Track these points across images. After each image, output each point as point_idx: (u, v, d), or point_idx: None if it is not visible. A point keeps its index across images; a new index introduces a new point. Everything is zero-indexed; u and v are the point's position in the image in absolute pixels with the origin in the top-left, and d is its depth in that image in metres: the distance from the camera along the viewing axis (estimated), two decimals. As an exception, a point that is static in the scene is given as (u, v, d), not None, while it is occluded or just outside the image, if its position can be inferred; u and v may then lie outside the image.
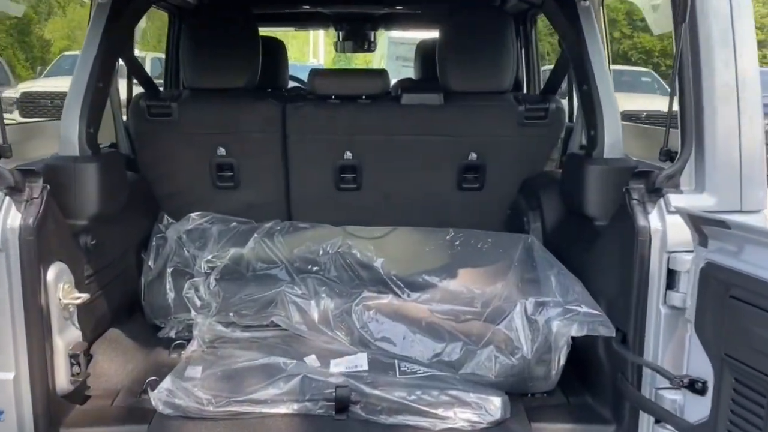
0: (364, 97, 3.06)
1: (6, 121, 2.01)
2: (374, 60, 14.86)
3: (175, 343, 2.65)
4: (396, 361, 2.31)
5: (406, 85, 3.20)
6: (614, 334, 2.07)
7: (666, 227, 1.94)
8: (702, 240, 1.78)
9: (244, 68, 3.05)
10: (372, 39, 5.23)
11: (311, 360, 2.36)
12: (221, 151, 3.10)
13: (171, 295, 2.71)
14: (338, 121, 3.06)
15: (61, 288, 2.07)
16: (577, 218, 2.53)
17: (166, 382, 2.17)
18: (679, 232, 1.92)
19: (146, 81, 3.23)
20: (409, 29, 6.34)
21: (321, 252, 2.65)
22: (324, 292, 2.51)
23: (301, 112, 3.04)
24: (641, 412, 2.01)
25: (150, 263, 2.80)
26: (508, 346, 2.19)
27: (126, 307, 2.77)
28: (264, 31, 3.89)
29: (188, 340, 2.61)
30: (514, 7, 3.89)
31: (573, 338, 2.19)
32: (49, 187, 2.02)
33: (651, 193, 1.99)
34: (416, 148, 3.09)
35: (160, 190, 3.12)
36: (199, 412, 2.10)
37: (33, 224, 1.93)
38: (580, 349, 2.28)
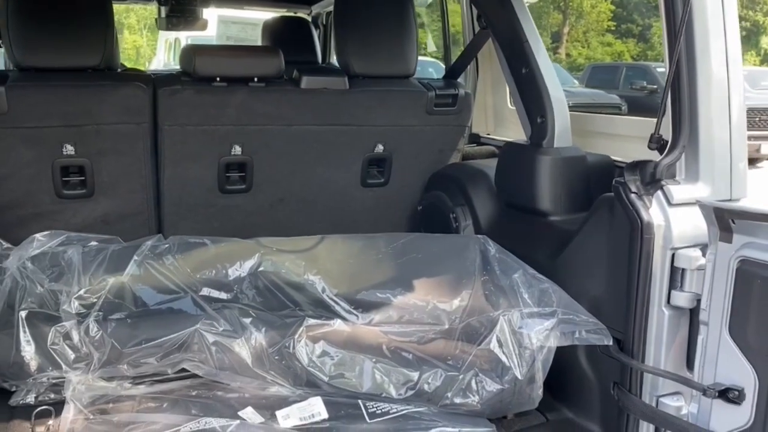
0: (256, 79, 2.54)
1: None
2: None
3: (38, 410, 1.94)
4: (360, 402, 1.89)
5: (303, 68, 2.74)
6: (611, 342, 1.88)
7: (669, 221, 1.78)
8: (725, 235, 1.64)
9: (96, 42, 2.35)
10: (201, 16, 4.58)
11: (249, 415, 1.85)
12: (68, 149, 2.38)
13: (30, 349, 1.97)
14: (226, 109, 2.51)
15: None
16: (520, 214, 2.31)
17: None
18: (682, 226, 1.77)
19: None
20: (244, 7, 5.70)
21: (234, 274, 2.12)
22: (252, 325, 1.99)
23: (179, 97, 2.44)
24: (642, 423, 1.86)
25: (-13, 307, 2.03)
26: (496, 368, 1.89)
27: None
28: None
29: (55, 405, 1.93)
30: None
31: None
32: None
33: (648, 185, 1.82)
34: (317, 140, 2.66)
35: None
36: None
37: None
38: (554, 359, 2.07)
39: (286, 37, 4.19)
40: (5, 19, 2.25)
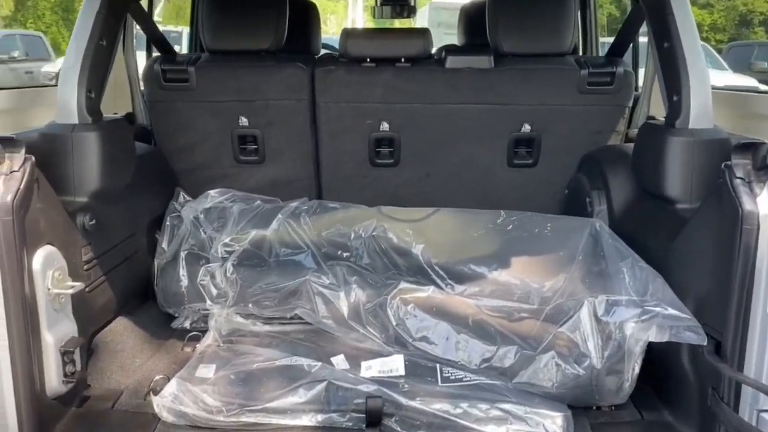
0: (403, 60, 2.70)
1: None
2: (414, 29, 14.16)
3: (190, 335, 2.37)
4: (437, 366, 1.97)
5: (450, 48, 2.84)
6: (705, 342, 1.69)
7: None
8: None
9: (269, 28, 2.72)
10: (412, 3, 4.84)
11: (339, 361, 2.04)
12: (243, 121, 2.78)
13: (185, 282, 2.41)
14: (374, 88, 2.71)
15: (51, 276, 1.78)
16: (653, 200, 2.13)
17: (172, 386, 1.88)
18: (796, 218, 1.53)
19: (161, 43, 2.92)
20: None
21: (353, 236, 2.32)
22: (355, 283, 2.18)
23: (332, 76, 2.70)
24: None
25: (164, 245, 2.51)
26: (573, 353, 1.83)
27: (136, 295, 2.49)
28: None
29: (204, 332, 2.33)
30: None
31: (650, 343, 1.83)
32: (33, 158, 1.72)
33: (759, 171, 1.59)
34: (462, 119, 2.73)
35: (178, 164, 2.82)
36: (208, 421, 1.81)
37: (12, 201, 1.64)
38: (657, 355, 1.92)
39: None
40: (199, 10, 2.72)
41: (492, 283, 2.07)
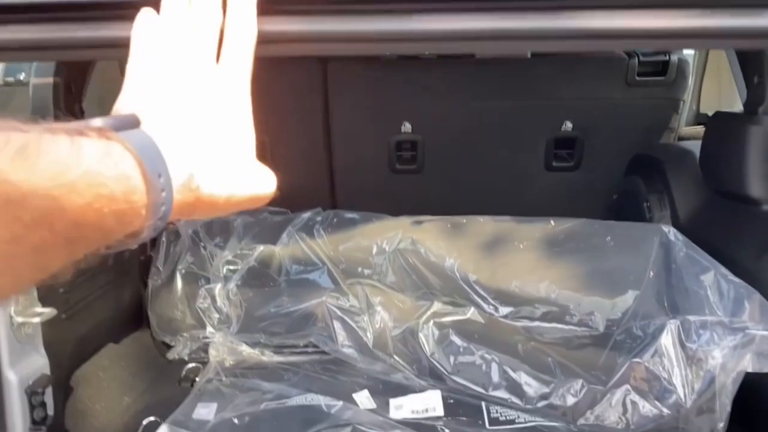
0: (427, 51, 2.38)
1: None
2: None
3: (188, 367, 2.04)
4: (483, 404, 1.64)
5: None
6: None
7: None
8: None
9: None
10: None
11: (363, 399, 1.71)
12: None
13: (182, 306, 2.09)
14: (394, 83, 2.40)
15: (14, 301, 1.47)
16: (731, 203, 1.81)
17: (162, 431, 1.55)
18: None
19: None
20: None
21: (375, 250, 1.99)
22: (380, 304, 1.85)
23: (347, 70, 2.40)
24: None
25: (158, 264, 2.19)
26: (654, 387, 1.49)
27: (126, 322, 2.16)
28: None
29: (204, 363, 2.01)
30: None
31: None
32: None
33: None
34: (493, 117, 2.41)
35: None
36: (206, 478, 1.48)
37: None
38: (750, 389, 1.57)
39: None
40: None
41: (544, 304, 1.73)
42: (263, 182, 0.68)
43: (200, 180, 0.58)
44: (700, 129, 2.63)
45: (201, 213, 0.61)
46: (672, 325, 1.49)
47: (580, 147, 2.43)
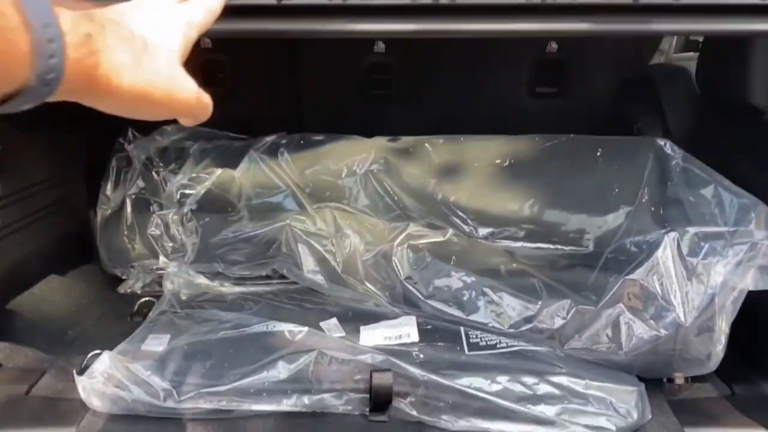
0: None
1: None
2: None
3: (141, 301, 1.86)
4: (461, 329, 1.49)
5: None
6: None
7: None
8: None
9: None
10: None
11: (331, 326, 1.55)
12: (206, 42, 2.26)
13: (132, 235, 1.90)
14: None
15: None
16: (726, 117, 1.67)
17: (103, 362, 1.37)
18: None
19: None
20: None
21: (345, 172, 1.82)
22: (350, 228, 1.69)
23: None
24: None
25: (107, 192, 1.99)
26: (649, 306, 1.35)
27: (73, 254, 1.97)
28: None
29: (158, 296, 1.83)
30: None
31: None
32: None
33: None
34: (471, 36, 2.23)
35: None
36: (153, 409, 1.31)
37: None
38: (749, 309, 1.45)
39: None
40: None
41: (530, 224, 1.59)
42: (182, 88, 0.69)
43: (101, 45, 0.56)
44: (692, 54, 2.49)
45: (103, 93, 0.59)
46: (670, 238, 1.34)
47: (563, 71, 2.27)
